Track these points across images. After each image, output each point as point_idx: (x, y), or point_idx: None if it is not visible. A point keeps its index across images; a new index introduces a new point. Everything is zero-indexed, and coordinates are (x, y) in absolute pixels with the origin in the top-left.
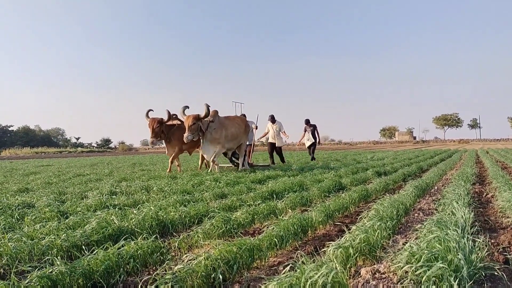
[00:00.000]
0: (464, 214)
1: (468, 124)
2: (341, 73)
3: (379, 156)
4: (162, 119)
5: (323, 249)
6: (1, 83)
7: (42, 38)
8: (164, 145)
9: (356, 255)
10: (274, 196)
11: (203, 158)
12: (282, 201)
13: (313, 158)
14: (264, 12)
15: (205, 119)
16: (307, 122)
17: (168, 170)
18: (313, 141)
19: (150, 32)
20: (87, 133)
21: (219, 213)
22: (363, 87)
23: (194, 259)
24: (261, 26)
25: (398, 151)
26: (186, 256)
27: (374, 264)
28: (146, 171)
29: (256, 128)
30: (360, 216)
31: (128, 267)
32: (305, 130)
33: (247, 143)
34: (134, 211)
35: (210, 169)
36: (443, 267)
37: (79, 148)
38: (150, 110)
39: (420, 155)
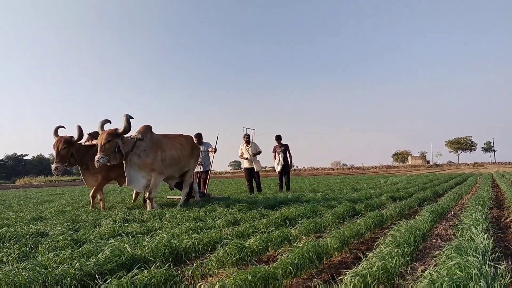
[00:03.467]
0: (484, 240)
1: (482, 148)
2: (352, 98)
3: (393, 181)
4: (71, 137)
5: (339, 277)
6: (17, 113)
7: (57, 75)
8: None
9: (374, 283)
10: (288, 222)
11: None
12: (296, 228)
13: (288, 188)
14: (280, 37)
15: (129, 137)
16: (278, 138)
17: (90, 206)
18: (283, 164)
19: (162, 61)
20: None
21: (232, 240)
22: (374, 111)
23: None
24: (273, 52)
25: (412, 175)
26: (200, 285)
27: None
28: (158, 198)
29: (215, 152)
30: (376, 243)
31: None
32: (275, 151)
33: (202, 169)
34: (147, 239)
35: (148, 208)
36: None
37: None
38: (60, 126)
39: (435, 180)
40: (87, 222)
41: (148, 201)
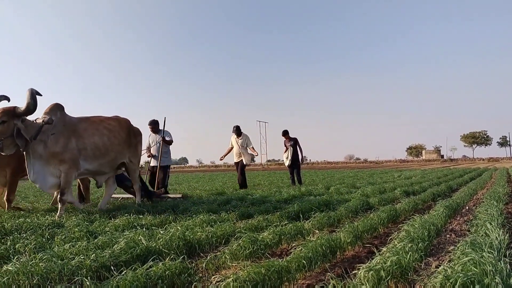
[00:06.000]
0: (499, 236)
1: (497, 142)
2: (366, 91)
3: (407, 175)
4: None
5: (353, 272)
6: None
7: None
8: None
9: (388, 278)
10: (301, 216)
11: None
12: (309, 221)
13: (300, 182)
14: (293, 31)
15: (34, 119)
16: (286, 133)
17: (6, 208)
18: (293, 158)
19: (179, 53)
20: None
21: (245, 233)
22: (389, 105)
23: (222, 281)
24: (286, 44)
25: (426, 169)
26: (214, 278)
27: None
28: (171, 190)
29: (163, 141)
30: (390, 237)
31: None
32: (285, 145)
33: (151, 163)
34: (161, 231)
35: (58, 213)
36: None
37: None
38: None
39: (449, 174)
40: (102, 214)
41: (59, 203)
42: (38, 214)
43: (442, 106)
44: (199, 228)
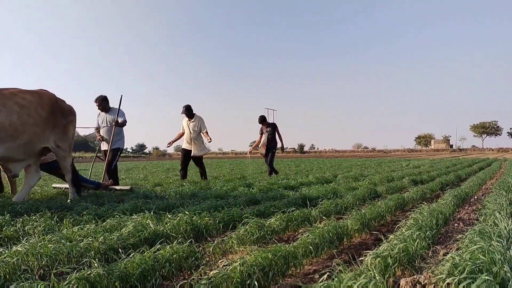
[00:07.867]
0: (508, 225)
1: (507, 132)
2: (374, 79)
3: (415, 164)
4: None
5: (360, 258)
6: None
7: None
8: None
9: (395, 265)
10: (308, 203)
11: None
12: (316, 208)
13: (271, 172)
14: (302, 19)
15: None
16: (263, 120)
17: None
18: (272, 146)
19: (191, 41)
20: None
21: (253, 219)
22: (398, 93)
23: (229, 265)
24: (295, 31)
25: (435, 159)
26: (221, 262)
27: (414, 275)
28: (179, 176)
29: (116, 124)
30: (397, 225)
31: (163, 271)
32: (261, 133)
33: (102, 148)
34: (169, 216)
35: None
36: (488, 279)
37: None
38: None
39: (458, 164)
40: (110, 198)
41: None
42: (48, 198)
43: (451, 96)
44: (206, 213)
